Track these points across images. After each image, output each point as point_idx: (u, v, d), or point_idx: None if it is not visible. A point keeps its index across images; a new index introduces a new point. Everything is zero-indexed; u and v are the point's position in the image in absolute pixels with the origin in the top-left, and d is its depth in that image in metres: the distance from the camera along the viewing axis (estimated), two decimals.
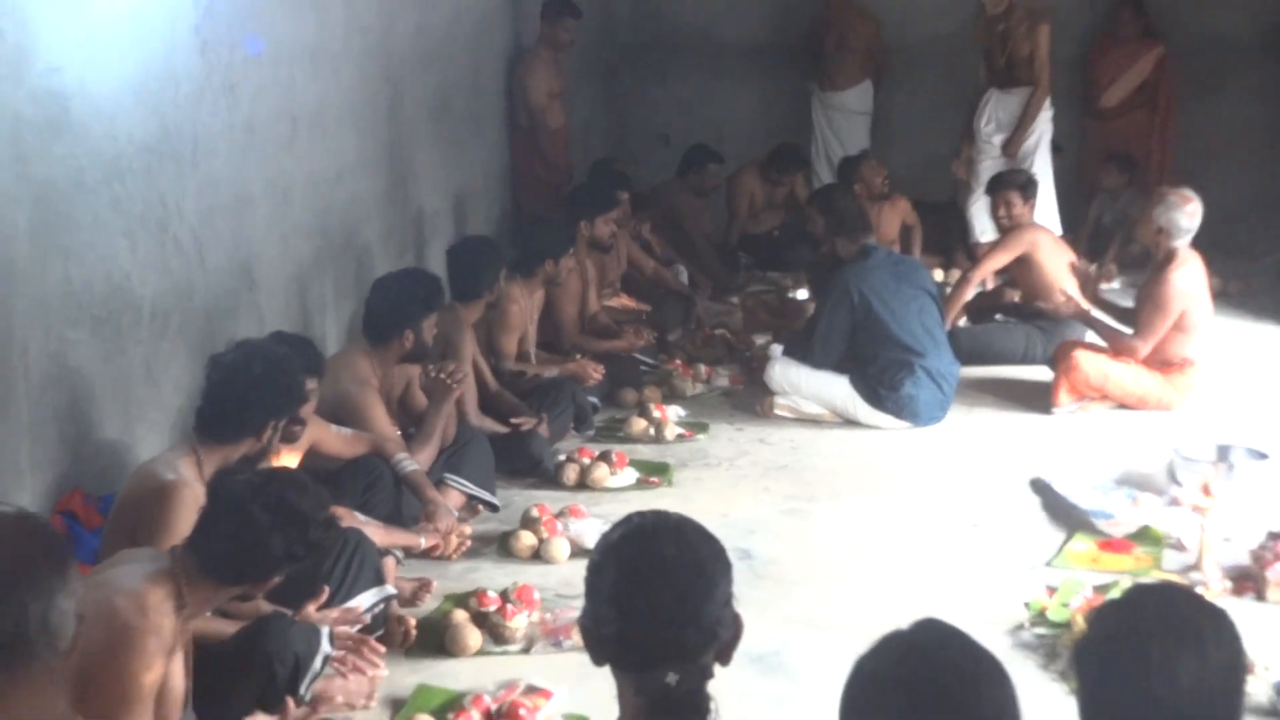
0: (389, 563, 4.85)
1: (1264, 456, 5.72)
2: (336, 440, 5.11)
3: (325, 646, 3.98)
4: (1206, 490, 5.21)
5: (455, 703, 4.14)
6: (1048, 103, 9.55)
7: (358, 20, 6.83)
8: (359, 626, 4.47)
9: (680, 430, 6.84)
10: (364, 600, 4.46)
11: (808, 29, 10.79)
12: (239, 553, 3.35)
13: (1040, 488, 6.05)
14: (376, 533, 4.86)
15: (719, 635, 2.15)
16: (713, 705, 2.13)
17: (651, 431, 6.79)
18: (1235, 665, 2.13)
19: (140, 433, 4.87)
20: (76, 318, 4.59)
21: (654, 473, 6.31)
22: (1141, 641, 2.12)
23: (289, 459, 4.63)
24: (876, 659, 1.92)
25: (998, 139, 9.42)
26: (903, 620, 1.97)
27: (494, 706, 4.08)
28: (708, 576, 2.16)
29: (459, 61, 8.19)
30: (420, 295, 5.57)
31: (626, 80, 11.43)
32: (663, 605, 2.12)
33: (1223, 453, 5.69)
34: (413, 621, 4.66)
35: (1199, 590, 4.94)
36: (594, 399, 7.03)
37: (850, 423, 6.96)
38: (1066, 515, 5.71)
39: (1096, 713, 2.14)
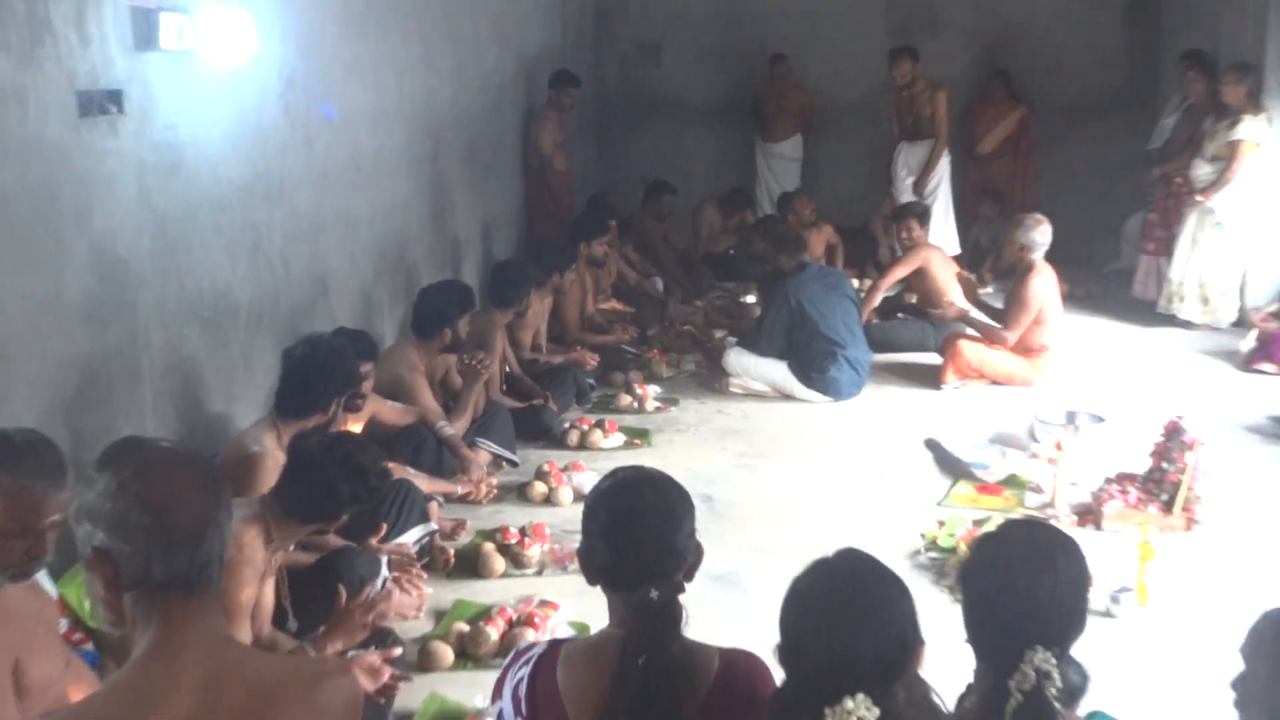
0: (433, 506, 4.88)
1: (1102, 420, 5.79)
2: (391, 412, 5.13)
3: (384, 571, 4.01)
4: (1058, 446, 5.25)
5: (485, 613, 4.18)
6: (945, 151, 9.60)
7: (406, 90, 6.83)
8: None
9: (657, 404, 6.83)
10: (412, 535, 4.51)
11: (754, 96, 10.79)
12: (314, 498, 3.37)
13: (932, 445, 6.07)
14: (423, 482, 4.89)
15: (686, 559, 2.17)
16: (684, 614, 2.15)
17: (635, 405, 6.79)
18: (1081, 580, 2.16)
19: (239, 408, 4.90)
20: (189, 319, 4.62)
21: (637, 436, 6.32)
22: (1010, 563, 2.13)
23: (354, 427, 4.65)
24: (808, 578, 1.95)
25: (909, 181, 9.46)
26: (828, 548, 1.99)
27: (514, 615, 4.13)
28: (676, 516, 2.19)
29: (484, 121, 8.20)
30: (456, 301, 5.58)
31: (615, 134, 11.42)
32: (643, 539, 2.14)
33: (1070, 417, 5.76)
34: (451, 552, 4.72)
35: (1053, 522, 4.99)
36: (590, 380, 7.04)
37: (788, 398, 6.95)
38: (952, 466, 5.74)
39: (976, 618, 2.14)
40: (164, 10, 4.24)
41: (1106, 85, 10.65)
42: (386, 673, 3.14)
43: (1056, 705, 2.01)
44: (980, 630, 2.13)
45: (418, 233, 7.08)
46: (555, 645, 2.23)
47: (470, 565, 4.63)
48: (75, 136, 3.90)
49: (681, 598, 2.16)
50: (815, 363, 6.92)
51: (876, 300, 8.06)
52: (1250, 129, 8.08)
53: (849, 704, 1.77)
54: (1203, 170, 8.33)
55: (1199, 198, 8.31)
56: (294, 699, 1.59)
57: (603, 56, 11.36)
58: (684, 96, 11.33)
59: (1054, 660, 2.02)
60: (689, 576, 2.22)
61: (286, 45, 5.31)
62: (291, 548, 3.82)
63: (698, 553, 2.19)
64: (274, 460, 3.89)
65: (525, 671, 2.18)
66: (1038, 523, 2.40)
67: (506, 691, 2.19)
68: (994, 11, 10.39)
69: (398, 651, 3.49)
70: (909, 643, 1.88)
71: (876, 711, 1.78)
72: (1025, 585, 2.08)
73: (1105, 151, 10.28)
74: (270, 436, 4.05)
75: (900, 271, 8.09)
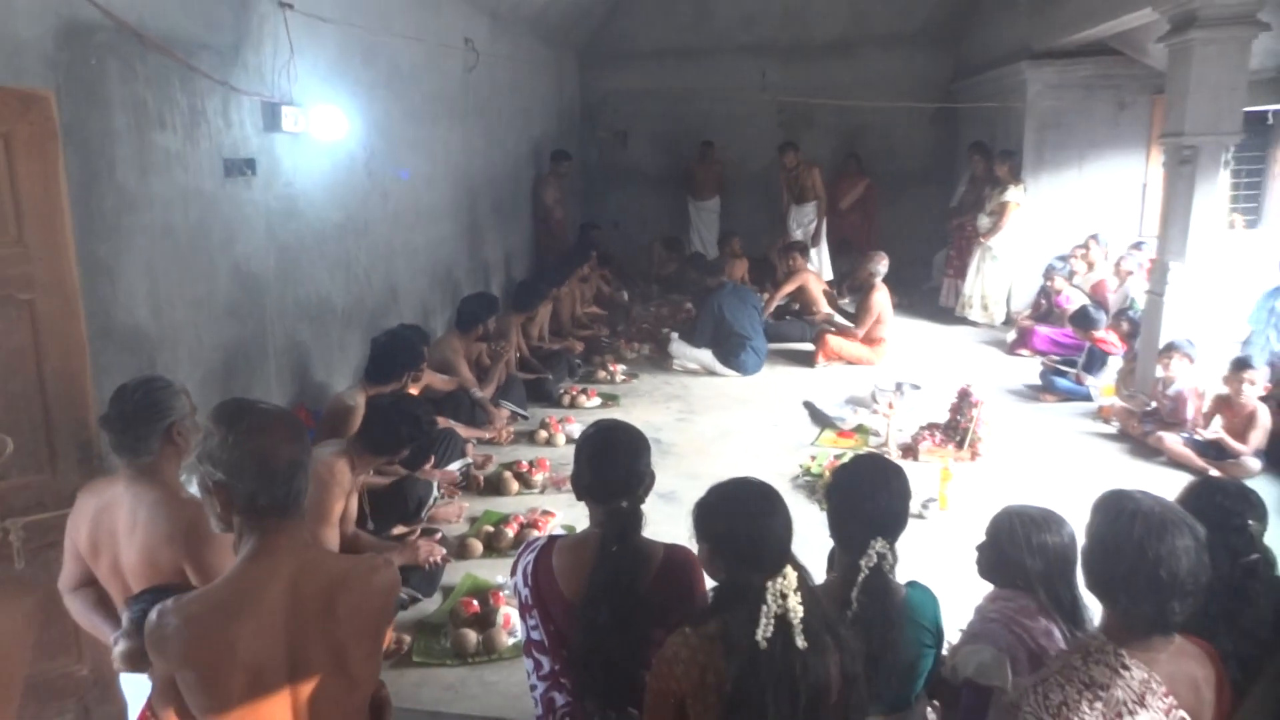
0: (469, 447, 4.80)
1: (918, 388, 5.80)
2: (439, 381, 5.06)
3: (435, 491, 3.95)
4: (890, 405, 5.26)
5: (504, 519, 4.13)
6: (820, 210, 9.55)
7: (452, 160, 6.71)
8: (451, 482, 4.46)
9: (624, 377, 6.77)
10: (454, 466, 4.45)
11: (688, 168, 10.71)
12: (384, 437, 3.32)
13: (807, 405, 6.04)
14: (461, 430, 4.83)
15: (644, 481, 2.13)
16: (644, 518, 2.12)
17: (608, 378, 6.73)
18: (905, 494, 2.14)
19: (335, 378, 4.81)
20: (301, 317, 4.53)
21: (610, 399, 6.26)
22: (859, 484, 2.12)
23: (414, 390, 4.55)
24: (711, 494, 1.91)
25: (799, 232, 9.40)
26: (735, 474, 1.96)
27: (524, 520, 4.08)
28: (638, 450, 2.15)
29: (506, 183, 8.08)
30: (486, 305, 5.52)
31: (595, 193, 11.31)
32: (616, 466, 2.11)
33: (898, 386, 5.75)
34: (481, 478, 4.64)
35: (887, 456, 5.01)
36: (578, 360, 6.95)
37: (713, 374, 6.91)
38: (821, 419, 5.72)
39: (838, 520, 2.13)
40: (284, 105, 4.15)
41: (922, 164, 10.66)
42: (438, 552, 3.38)
43: (890, 575, 2.02)
44: (841, 528, 2.12)
45: (459, 258, 6.96)
46: (552, 539, 2.19)
47: (495, 486, 4.57)
48: (221, 190, 3.81)
49: (641, 509, 2.13)
50: (731, 350, 6.90)
51: (773, 307, 8.03)
52: (1013, 194, 8.14)
53: (788, 575, 1.74)
54: (984, 221, 8.37)
55: (982, 239, 8.36)
56: (355, 584, 1.57)
57: (587, 140, 11.23)
58: (642, 168, 11.23)
59: (888, 547, 2.02)
60: (645, 496, 2.19)
61: (369, 129, 5.20)
62: (371, 474, 3.76)
63: (651, 478, 2.16)
64: (362, 411, 3.83)
65: (531, 557, 2.14)
66: (877, 455, 2.38)
67: (519, 570, 2.15)
68: (849, 114, 10.36)
69: (438, 536, 3.63)
70: (792, 532, 1.85)
71: (796, 575, 1.76)
72: (870, 496, 2.07)
73: (922, 208, 10.31)
74: (360, 395, 3.98)
75: (789, 288, 8.07)
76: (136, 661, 1.79)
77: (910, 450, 5.06)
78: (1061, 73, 8.04)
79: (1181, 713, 1.64)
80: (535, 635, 2.11)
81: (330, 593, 1.54)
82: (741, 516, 1.81)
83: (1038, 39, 7.99)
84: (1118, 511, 1.68)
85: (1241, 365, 4.85)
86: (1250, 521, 1.94)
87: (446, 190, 6.65)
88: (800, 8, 10.54)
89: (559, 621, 2.08)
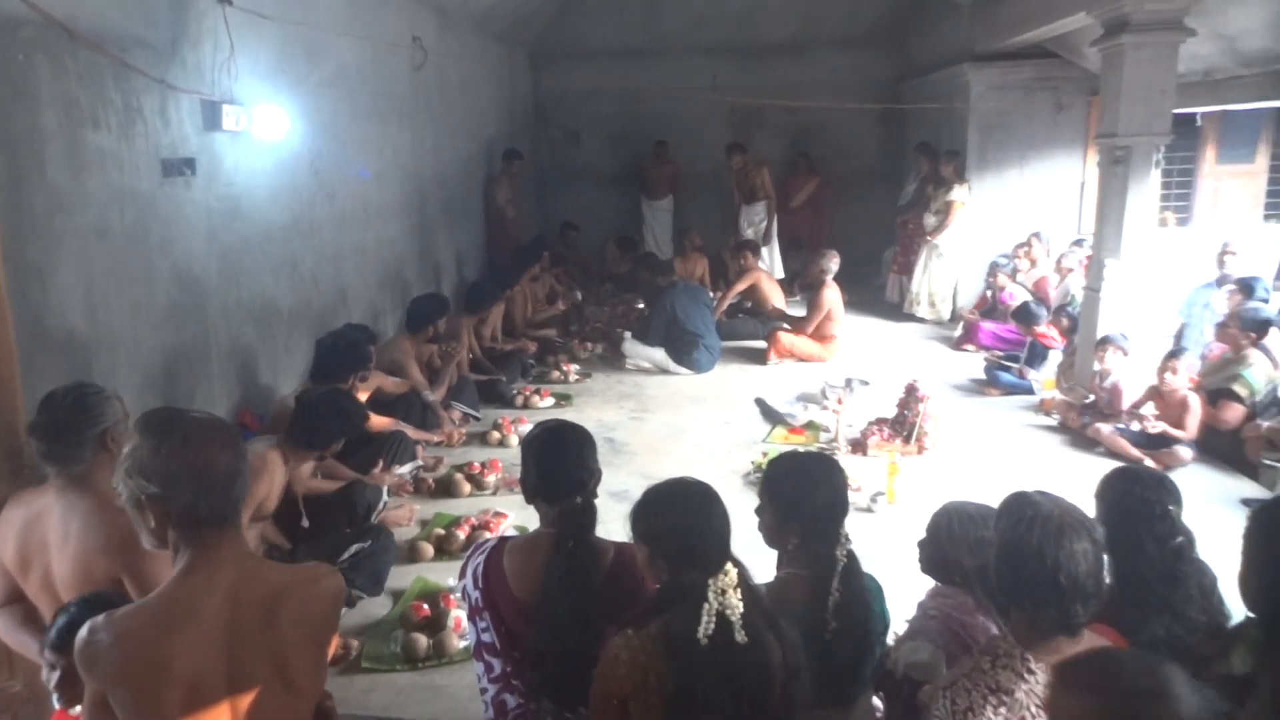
0: (419, 449, 4.73)
1: (867, 383, 5.88)
2: (390, 384, 4.98)
3: (384, 495, 3.89)
4: (839, 401, 5.31)
5: (456, 521, 4.09)
6: (770, 208, 9.61)
7: (401, 159, 6.61)
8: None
9: (577, 376, 6.75)
10: (404, 469, 4.37)
11: (641, 168, 10.72)
12: (313, 431, 3.31)
13: (759, 403, 6.08)
14: (412, 432, 4.75)
15: (594, 477, 2.13)
16: (597, 514, 2.12)
17: (562, 377, 6.70)
18: (843, 487, 2.13)
19: (282, 381, 4.70)
20: (245, 319, 4.43)
21: (564, 398, 6.22)
22: (810, 476, 2.11)
23: (363, 395, 4.48)
24: (647, 497, 1.90)
25: (750, 231, 9.47)
26: (688, 472, 1.97)
27: (476, 522, 4.04)
28: (584, 447, 2.14)
29: (456, 182, 7.99)
30: (436, 306, 5.46)
31: (549, 193, 11.25)
32: (565, 463, 2.10)
33: (848, 382, 5.82)
34: (432, 480, 4.59)
35: (835, 451, 5.07)
36: (531, 361, 6.92)
37: (665, 372, 6.92)
38: (773, 416, 5.76)
39: (793, 518, 2.08)
40: (225, 103, 4.06)
41: (870, 164, 10.81)
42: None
43: (859, 562, 2.05)
44: (803, 523, 2.07)
45: (410, 259, 6.87)
46: (502, 540, 2.18)
47: (447, 488, 4.53)
48: (160, 190, 3.71)
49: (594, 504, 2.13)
50: (683, 348, 6.92)
51: (724, 305, 8.07)
52: (958, 193, 8.30)
53: (729, 571, 1.75)
54: (930, 219, 8.53)
55: (928, 237, 8.51)
56: (297, 593, 1.54)
57: (540, 139, 11.17)
58: (595, 168, 11.21)
59: (850, 541, 2.04)
60: (594, 492, 2.19)
61: (314, 128, 5.10)
62: (319, 476, 3.70)
63: (598, 475, 2.16)
64: None
65: (480, 559, 2.13)
66: (809, 453, 2.37)
67: (468, 572, 2.13)
68: (800, 114, 10.45)
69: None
70: (730, 528, 1.86)
71: (735, 572, 1.76)
72: (807, 491, 2.07)
73: (871, 207, 10.43)
74: None
75: (740, 287, 8.10)
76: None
77: (859, 445, 5.12)
78: (1003, 75, 8.22)
79: None
80: (486, 638, 2.10)
81: (271, 603, 1.50)
82: (679, 517, 1.82)
83: (979, 41, 8.16)
84: (1017, 518, 1.72)
85: (1170, 355, 5.02)
86: (1170, 507, 2.01)
87: (396, 190, 6.55)
88: (750, 9, 10.61)
89: (511, 623, 2.07)
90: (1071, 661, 1.47)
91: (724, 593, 1.72)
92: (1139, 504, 2.00)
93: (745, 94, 10.28)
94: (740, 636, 1.71)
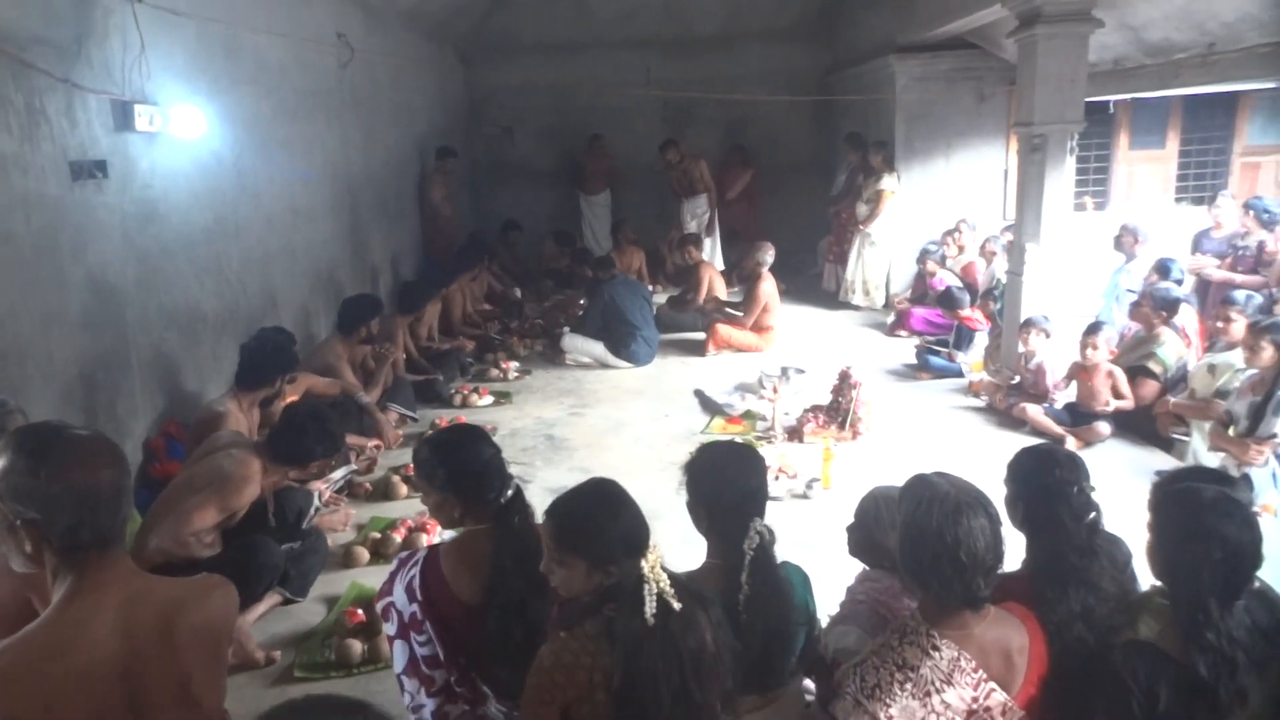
0: (353, 454, 4.62)
1: (803, 372, 5.91)
2: (321, 384, 4.82)
3: (316, 501, 3.79)
4: (775, 390, 5.36)
5: (392, 524, 4.01)
6: (711, 200, 9.64)
7: (330, 158, 6.46)
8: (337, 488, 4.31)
9: (517, 374, 6.69)
10: (336, 475, 4.24)
11: (577, 162, 10.68)
12: (294, 447, 3.25)
13: (698, 394, 6.11)
14: (351, 439, 4.64)
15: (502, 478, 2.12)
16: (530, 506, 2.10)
17: (501, 375, 6.63)
18: (755, 480, 2.12)
19: (209, 387, 4.56)
20: (168, 326, 4.28)
21: (503, 396, 6.15)
22: (724, 469, 2.11)
23: (292, 397, 4.36)
24: (560, 513, 1.84)
25: (693, 224, 9.49)
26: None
27: (413, 524, 3.97)
28: (481, 448, 2.13)
29: (389, 180, 7.84)
30: (368, 307, 5.33)
31: (484, 189, 11.12)
32: (476, 459, 2.10)
33: (784, 371, 5.84)
34: (368, 484, 4.52)
35: (773, 439, 5.12)
36: (470, 359, 6.84)
37: (605, 366, 6.90)
38: (711, 406, 5.80)
39: (706, 511, 2.10)
40: (137, 103, 3.91)
41: (803, 155, 10.93)
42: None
43: (774, 554, 2.04)
44: (712, 516, 2.08)
45: (343, 260, 6.71)
46: (434, 548, 2.14)
47: (383, 491, 4.44)
48: (69, 194, 3.56)
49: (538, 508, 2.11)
50: (622, 340, 6.91)
51: (702, 304, 7.86)
52: (888, 182, 8.45)
53: (655, 547, 1.74)
54: (862, 209, 8.67)
55: (860, 226, 8.65)
56: (191, 608, 1.48)
57: (474, 135, 11.03)
58: (531, 163, 11.12)
59: (765, 526, 2.03)
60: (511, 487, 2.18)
61: (236, 127, 4.94)
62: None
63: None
64: (233, 417, 3.68)
65: (415, 570, 2.07)
66: (728, 441, 2.37)
67: (398, 588, 2.07)
68: (733, 107, 10.52)
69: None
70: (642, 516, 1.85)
71: (659, 548, 1.76)
72: (731, 478, 2.07)
73: (805, 197, 10.54)
74: (231, 402, 3.83)
75: (707, 289, 7.92)
76: None
77: (795, 433, 5.18)
78: (926, 66, 8.38)
79: (991, 684, 1.73)
80: (425, 651, 2.04)
81: (166, 619, 1.44)
82: (604, 522, 1.79)
83: (902, 34, 8.31)
84: (916, 500, 1.76)
85: (1090, 330, 5.19)
86: (1083, 483, 2.07)
87: (325, 190, 6.39)
88: (680, 3, 10.63)
89: (456, 628, 2.02)
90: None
91: (654, 568, 1.71)
92: (1055, 483, 2.06)
93: (678, 87, 10.30)
94: (676, 604, 1.69)
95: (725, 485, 2.05)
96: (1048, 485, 2.06)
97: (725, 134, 10.87)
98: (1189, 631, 1.72)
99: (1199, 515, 1.75)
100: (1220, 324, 4.94)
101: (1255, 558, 1.74)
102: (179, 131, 4.20)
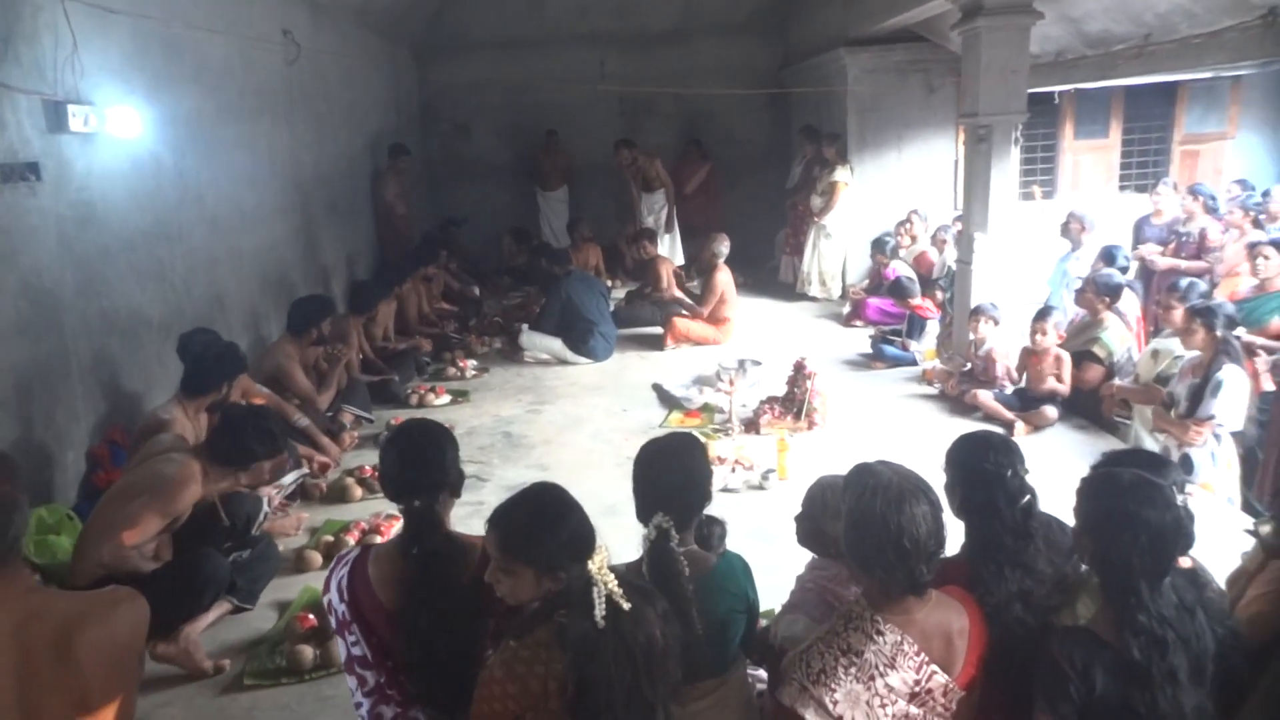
0: (304, 461, 4.52)
1: (759, 363, 5.94)
2: (259, 398, 4.67)
3: (265, 506, 3.72)
4: (732, 382, 5.39)
5: (346, 526, 3.96)
6: (669, 196, 9.61)
7: (278, 157, 6.34)
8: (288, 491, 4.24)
9: (474, 372, 6.63)
10: (289, 479, 4.16)
11: (533, 159, 10.62)
12: (234, 449, 3.18)
13: (656, 388, 6.10)
14: (303, 450, 4.56)
15: (447, 479, 2.08)
16: (441, 518, 2.05)
17: (459, 374, 6.57)
18: (705, 463, 2.16)
19: (154, 394, 4.44)
20: (110, 331, 4.17)
21: (460, 395, 6.09)
22: (645, 461, 2.14)
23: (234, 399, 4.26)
24: (512, 497, 1.84)
25: (651, 219, 9.46)
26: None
27: (367, 526, 3.92)
28: (439, 448, 2.09)
29: (341, 180, 7.72)
30: (319, 308, 5.24)
31: (440, 187, 11.00)
32: (407, 464, 2.06)
33: (741, 364, 5.88)
34: (324, 485, 4.44)
35: (730, 431, 5.14)
36: (426, 358, 6.77)
37: (563, 362, 6.86)
38: (670, 400, 5.79)
39: (637, 503, 2.12)
40: (70, 103, 3.79)
41: (759, 149, 10.98)
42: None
43: (675, 547, 2.00)
44: (638, 508, 2.13)
45: (294, 261, 6.60)
46: (365, 549, 2.11)
47: (339, 494, 4.37)
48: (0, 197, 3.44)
49: (484, 502, 2.08)
50: (580, 336, 6.87)
51: (673, 296, 7.84)
52: (841, 174, 8.52)
53: (601, 549, 1.73)
54: (816, 201, 8.72)
55: (815, 218, 8.71)
56: (93, 623, 1.44)
57: (429, 133, 10.91)
58: (487, 160, 11.02)
59: (669, 521, 2.00)
60: (455, 493, 2.13)
61: (177, 128, 4.83)
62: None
63: (460, 475, 2.10)
64: (179, 425, 3.59)
65: (344, 571, 2.05)
66: (676, 434, 2.37)
67: (332, 588, 2.05)
68: (689, 102, 10.53)
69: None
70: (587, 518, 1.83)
71: (605, 549, 1.75)
72: (676, 467, 2.11)
73: (760, 191, 10.60)
74: (177, 408, 3.71)
75: (668, 285, 7.86)
76: None
77: (752, 424, 5.20)
78: (876, 58, 8.46)
79: (933, 666, 1.76)
80: (357, 651, 2.02)
81: (65, 635, 1.40)
82: (547, 528, 1.76)
83: (853, 26, 8.37)
84: (861, 488, 1.78)
85: (1040, 315, 5.28)
86: (1017, 467, 2.11)
87: (274, 190, 6.27)
88: None
89: (381, 632, 2.00)
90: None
91: (601, 569, 1.70)
92: (991, 468, 2.09)
93: (633, 83, 10.28)
94: (625, 604, 1.68)
95: (651, 479, 2.08)
96: (984, 470, 2.09)
97: (682, 129, 10.87)
98: (1122, 615, 1.76)
99: (1120, 501, 1.79)
100: (1163, 310, 5.05)
101: (1178, 536, 1.78)
102: (116, 132, 4.09)
